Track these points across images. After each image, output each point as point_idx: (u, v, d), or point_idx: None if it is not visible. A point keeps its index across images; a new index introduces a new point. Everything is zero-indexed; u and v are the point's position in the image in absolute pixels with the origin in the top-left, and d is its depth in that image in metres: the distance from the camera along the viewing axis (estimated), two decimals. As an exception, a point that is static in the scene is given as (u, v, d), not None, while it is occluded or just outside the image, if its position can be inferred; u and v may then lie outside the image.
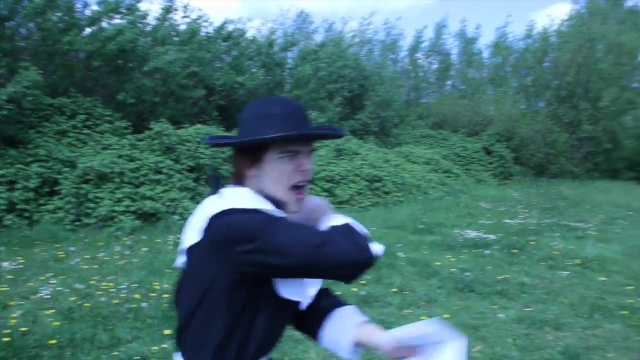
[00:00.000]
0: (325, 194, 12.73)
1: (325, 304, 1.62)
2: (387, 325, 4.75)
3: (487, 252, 7.90)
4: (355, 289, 5.79)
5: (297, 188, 1.46)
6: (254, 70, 15.76)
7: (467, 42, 28.95)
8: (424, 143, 21.71)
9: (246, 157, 1.46)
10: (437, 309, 5.31)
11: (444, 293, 5.90)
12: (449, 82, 29.78)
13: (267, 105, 1.49)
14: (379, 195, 13.84)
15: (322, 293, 1.64)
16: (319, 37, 25.52)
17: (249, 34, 17.15)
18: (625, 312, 5.33)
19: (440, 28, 29.07)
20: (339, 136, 1.53)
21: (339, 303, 1.63)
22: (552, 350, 4.32)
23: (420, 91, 28.74)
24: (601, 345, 4.52)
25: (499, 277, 6.44)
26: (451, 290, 5.97)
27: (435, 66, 29.57)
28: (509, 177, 21.15)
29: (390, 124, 20.21)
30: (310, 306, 1.60)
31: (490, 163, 21.43)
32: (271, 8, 43.60)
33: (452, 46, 29.63)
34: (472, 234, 9.50)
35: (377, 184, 14.02)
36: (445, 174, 18.47)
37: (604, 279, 6.60)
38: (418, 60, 29.26)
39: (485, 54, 28.94)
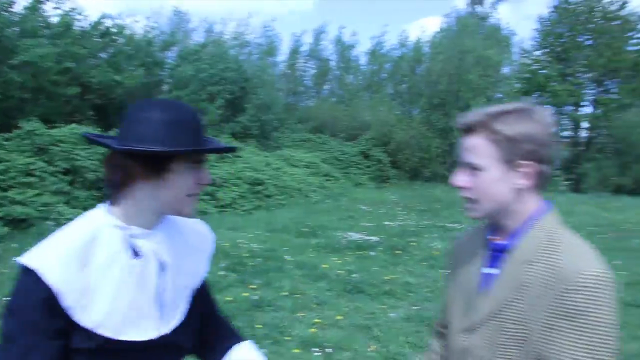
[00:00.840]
0: (207, 197, 12.49)
1: (220, 343, 1.59)
2: (282, 329, 4.73)
3: (371, 253, 8.13)
4: (246, 294, 5.70)
5: (193, 195, 1.40)
6: (132, 69, 15.08)
7: (345, 48, 29.73)
8: (304, 147, 22.02)
9: (145, 165, 1.32)
10: (329, 312, 5.36)
11: (333, 295, 5.97)
12: (326, 87, 30.42)
13: (175, 112, 1.36)
14: (261, 198, 13.82)
15: (218, 327, 1.62)
16: (197, 37, 25.04)
17: (127, 31, 16.38)
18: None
19: (319, 34, 29.60)
20: (233, 150, 1.53)
21: (235, 339, 1.60)
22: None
23: (298, 95, 29.08)
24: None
25: (385, 278, 6.64)
26: (340, 292, 6.06)
27: (313, 71, 30.08)
28: (386, 181, 21.98)
29: (270, 128, 20.26)
30: (205, 343, 1.57)
31: (368, 167, 22.15)
32: (144, 5, 42.07)
33: (331, 52, 30.14)
34: (355, 236, 9.73)
35: (259, 187, 13.99)
36: (325, 178, 18.84)
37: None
38: (297, 65, 29.60)
39: (363, 61, 29.84)
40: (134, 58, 15.73)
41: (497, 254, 1.39)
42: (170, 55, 17.98)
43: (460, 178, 1.38)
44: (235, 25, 26.77)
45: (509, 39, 28.81)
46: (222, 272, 6.63)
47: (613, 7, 26.25)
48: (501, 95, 24.18)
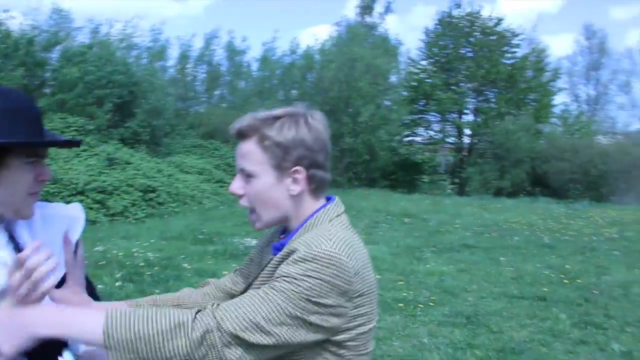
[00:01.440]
0: (97, 205, 11.92)
1: None
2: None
3: (272, 259, 8.12)
4: (147, 306, 5.47)
5: (33, 194, 1.30)
6: (10, 68, 14.05)
7: (236, 54, 29.53)
8: (196, 153, 21.65)
9: None
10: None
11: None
12: (217, 93, 30.05)
13: (8, 100, 1.24)
14: (154, 206, 13.39)
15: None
16: (82, 38, 23.75)
17: (2, 27, 15.23)
18: (401, 304, 5.92)
19: (209, 38, 29.17)
20: (78, 144, 1.44)
21: None
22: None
23: (188, 101, 28.52)
24: (387, 335, 4.94)
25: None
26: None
27: (204, 76, 29.60)
28: (279, 186, 22.06)
29: (161, 133, 19.66)
30: None
31: (261, 172, 22.13)
32: (18, 1, 39.35)
33: (221, 57, 29.79)
34: (252, 242, 9.67)
35: (151, 195, 13.55)
36: (219, 184, 18.57)
37: (378, 276, 7.23)
38: (187, 70, 28.99)
39: (254, 67, 29.79)
40: (12, 57, 14.66)
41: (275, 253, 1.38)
42: (53, 56, 16.92)
43: (235, 185, 1.36)
44: (122, 26, 25.68)
45: (396, 48, 29.93)
46: (118, 283, 6.35)
47: (490, 23, 28.14)
48: (389, 103, 25.11)
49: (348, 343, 1.25)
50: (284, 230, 1.42)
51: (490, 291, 6.67)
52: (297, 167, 1.29)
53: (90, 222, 11.39)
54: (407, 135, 29.81)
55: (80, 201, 11.79)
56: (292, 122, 1.30)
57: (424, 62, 29.99)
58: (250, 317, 1.14)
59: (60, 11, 24.15)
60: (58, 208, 1.47)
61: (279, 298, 1.16)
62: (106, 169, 13.41)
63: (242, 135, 1.33)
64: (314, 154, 1.30)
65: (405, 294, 6.31)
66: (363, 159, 24.08)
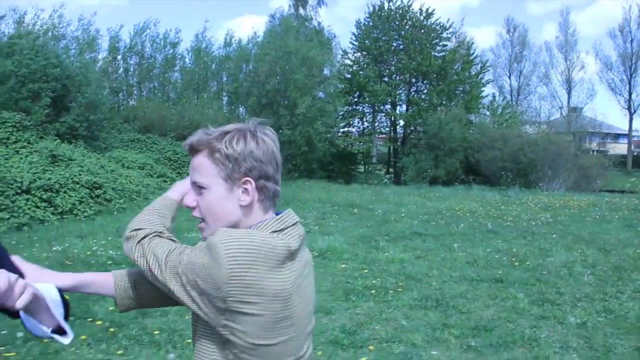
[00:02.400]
0: (44, 204, 11.62)
1: None
2: (179, 332, 4.75)
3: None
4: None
5: None
6: None
7: (169, 45, 29.00)
8: (134, 147, 21.24)
9: None
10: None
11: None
12: (149, 85, 29.43)
13: None
14: (101, 203, 13.17)
15: None
16: (5, 28, 22.67)
17: None
18: (372, 291, 6.25)
19: (140, 29, 28.51)
20: None
21: None
22: (333, 331, 4.89)
23: (121, 93, 27.84)
24: (367, 320, 5.26)
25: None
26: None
27: (135, 68, 28.93)
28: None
29: (98, 128, 19.19)
30: None
31: (200, 166, 22.00)
32: None
33: (153, 49, 29.13)
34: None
35: (98, 191, 13.31)
36: (161, 179, 18.39)
37: (344, 265, 7.56)
38: (117, 62, 28.24)
39: (187, 59, 29.35)
40: None
41: None
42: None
43: (189, 198, 1.43)
44: (49, 16, 24.70)
45: (329, 40, 30.26)
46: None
47: (421, 17, 28.97)
48: (324, 95, 25.45)
49: (233, 346, 1.32)
50: None
51: (450, 275, 7.13)
52: (247, 178, 1.35)
53: (39, 221, 11.13)
54: (343, 127, 30.31)
55: (27, 200, 11.49)
56: (241, 135, 1.36)
57: (357, 55, 30.51)
58: (157, 248, 1.37)
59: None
60: None
61: (180, 254, 1.32)
62: (49, 166, 13.04)
63: (193, 149, 1.39)
64: (263, 166, 1.36)
65: (374, 281, 6.66)
66: (302, 151, 24.33)
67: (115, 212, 12.82)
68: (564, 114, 44.78)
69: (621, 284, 6.78)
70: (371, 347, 4.51)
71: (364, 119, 31.08)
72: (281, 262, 1.30)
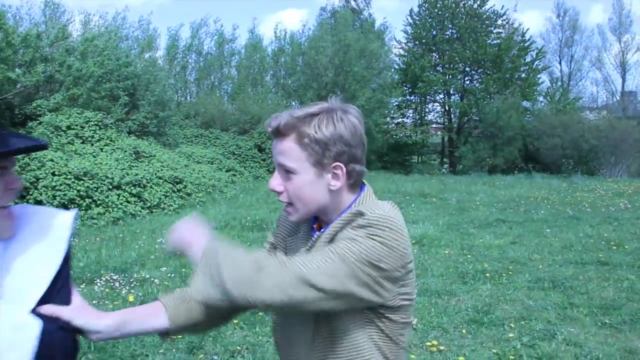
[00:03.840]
0: (134, 199, 12.19)
1: None
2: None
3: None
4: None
5: (3, 208, 1.29)
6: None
7: (224, 42, 29.63)
8: (197, 143, 21.84)
9: None
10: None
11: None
12: (208, 82, 30.14)
13: None
14: (183, 197, 13.71)
15: None
16: (72, 30, 23.59)
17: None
18: (487, 274, 6.49)
19: (197, 27, 29.24)
20: (44, 147, 1.38)
21: None
22: (467, 311, 5.16)
23: (182, 90, 28.62)
24: (493, 301, 5.51)
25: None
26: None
27: (194, 65, 29.69)
28: (283, 172, 22.44)
29: (167, 125, 19.86)
30: None
31: (264, 160, 22.44)
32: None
33: (209, 46, 29.86)
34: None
35: (179, 186, 13.86)
36: (230, 172, 18.92)
37: (447, 251, 7.82)
38: (177, 59, 29.02)
39: (242, 54, 29.91)
40: (22, 53, 14.66)
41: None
42: (53, 50, 16.88)
43: (274, 182, 1.39)
44: (112, 17, 25.56)
45: (382, 32, 30.36)
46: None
47: (474, 5, 28.77)
48: (376, 87, 25.60)
49: (393, 317, 1.32)
50: (315, 218, 1.45)
51: (553, 259, 7.31)
52: (337, 163, 1.32)
53: (131, 215, 11.71)
54: (397, 117, 30.42)
55: (118, 195, 12.08)
56: (329, 118, 1.32)
57: (410, 45, 30.51)
58: (311, 266, 1.22)
59: (51, 3, 24.02)
60: (45, 215, 1.40)
61: (338, 257, 1.22)
62: (134, 162, 13.65)
63: (279, 133, 1.34)
64: (352, 149, 1.33)
65: (485, 265, 6.89)
66: (362, 143, 24.60)
67: (197, 206, 13.31)
68: (617, 99, 43.73)
69: None
70: (512, 325, 4.76)
71: (418, 109, 31.09)
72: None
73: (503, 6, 47.15)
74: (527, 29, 30.77)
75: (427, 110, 31.10)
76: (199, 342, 4.30)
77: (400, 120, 30.62)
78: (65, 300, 1.32)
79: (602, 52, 47.87)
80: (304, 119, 1.32)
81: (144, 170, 13.27)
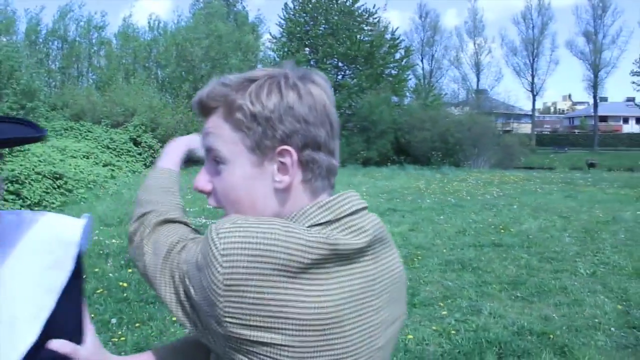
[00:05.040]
0: (12, 197, 11.30)
1: None
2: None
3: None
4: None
5: None
6: None
7: (94, 28, 28.14)
8: (68, 136, 20.60)
9: None
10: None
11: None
12: (74, 71, 28.45)
13: None
14: (64, 193, 12.94)
15: None
16: None
17: None
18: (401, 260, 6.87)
19: (63, 12, 27.44)
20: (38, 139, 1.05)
21: None
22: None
23: (45, 79, 26.72)
24: (415, 284, 5.88)
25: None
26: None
27: (57, 52, 27.88)
28: (160, 167, 21.81)
29: (38, 116, 18.51)
30: None
31: (140, 154, 21.69)
32: None
33: (75, 32, 28.14)
34: (202, 220, 10.04)
35: (60, 182, 13.05)
36: (108, 167, 18.09)
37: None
38: (37, 45, 27.07)
39: (114, 43, 28.59)
40: None
41: None
42: None
43: (201, 179, 0.96)
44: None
45: (257, 25, 30.46)
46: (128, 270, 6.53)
47: (347, 2, 29.79)
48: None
49: None
50: None
51: (453, 244, 7.91)
52: (285, 147, 0.88)
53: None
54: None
55: (-7, 192, 11.12)
56: (274, 84, 0.90)
57: (284, 39, 30.90)
58: (161, 238, 1.02)
59: None
60: (46, 223, 1.07)
61: (186, 244, 0.98)
62: (9, 156, 12.62)
63: (205, 107, 0.94)
64: (310, 128, 0.89)
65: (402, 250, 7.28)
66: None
67: (82, 203, 12.64)
68: (472, 96, 47.48)
69: (598, 243, 7.84)
70: (441, 304, 5.15)
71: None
72: (318, 267, 0.83)
73: (375, 5, 49.20)
74: (397, 28, 32.43)
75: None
76: (149, 342, 4.21)
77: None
78: (76, 336, 1.03)
79: (460, 53, 51.70)
80: (237, 86, 0.90)
81: (20, 165, 12.31)
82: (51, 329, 0.98)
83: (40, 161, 13.15)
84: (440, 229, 9.09)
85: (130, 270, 6.17)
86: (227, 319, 0.81)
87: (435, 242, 7.97)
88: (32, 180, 12.13)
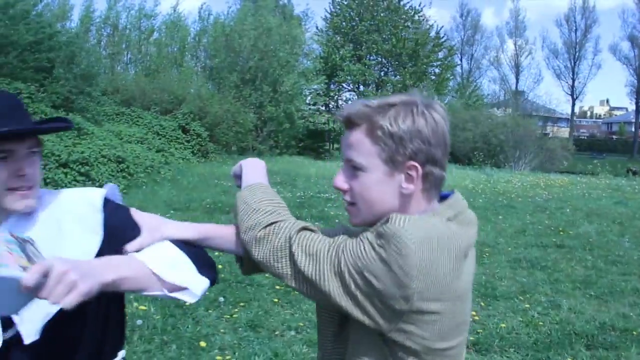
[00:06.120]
0: (83, 178, 11.85)
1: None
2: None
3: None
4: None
5: (14, 189, 1.26)
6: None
7: (144, 16, 28.77)
8: (119, 121, 21.22)
9: None
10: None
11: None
12: (125, 57, 29.15)
13: None
14: (126, 177, 13.47)
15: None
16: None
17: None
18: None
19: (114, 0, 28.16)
20: (67, 128, 1.40)
21: None
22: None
23: (100, 65, 27.45)
24: (491, 279, 6.19)
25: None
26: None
27: (108, 39, 28.58)
28: (206, 155, 22.33)
29: (95, 101, 19.14)
30: None
31: (188, 141, 22.21)
32: None
33: (126, 20, 28.81)
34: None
35: (122, 166, 13.60)
36: (161, 153, 18.62)
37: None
38: (91, 32, 27.79)
39: (163, 32, 29.20)
40: None
41: None
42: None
43: (339, 179, 1.24)
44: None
45: (303, 18, 30.80)
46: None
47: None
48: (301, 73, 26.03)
49: (402, 355, 1.14)
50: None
51: (515, 243, 8.18)
52: (412, 163, 1.15)
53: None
54: (315, 104, 31.11)
55: (65, 174, 11.70)
56: (408, 110, 1.16)
57: (330, 33, 31.20)
58: (311, 244, 1.17)
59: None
60: (70, 195, 1.39)
61: (333, 245, 1.15)
62: (77, 139, 13.20)
63: (350, 123, 1.20)
64: (431, 149, 1.15)
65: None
66: (283, 127, 24.98)
67: (143, 187, 13.15)
68: (510, 97, 47.22)
69: (660, 249, 8.04)
70: (521, 298, 5.46)
71: (335, 98, 31.91)
72: (464, 254, 1.16)
73: (421, 2, 49.29)
74: (442, 27, 32.50)
75: (343, 99, 32.03)
76: (259, 320, 4.59)
77: (316, 107, 31.34)
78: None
79: (500, 53, 51.37)
80: (378, 108, 1.18)
81: (88, 148, 12.88)
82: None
83: (104, 145, 13.71)
84: (499, 228, 9.35)
85: (217, 254, 6.61)
86: (415, 296, 1.07)
87: (498, 241, 8.24)
88: (99, 163, 12.69)
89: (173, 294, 1.27)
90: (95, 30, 28.28)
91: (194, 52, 29.06)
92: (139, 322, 4.26)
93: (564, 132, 51.75)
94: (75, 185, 11.67)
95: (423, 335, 1.11)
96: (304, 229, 1.20)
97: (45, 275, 1.02)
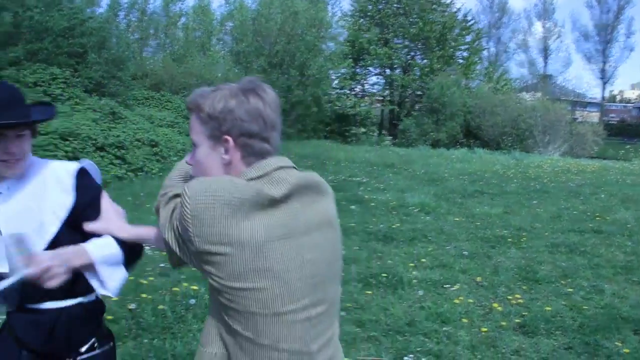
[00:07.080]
0: (118, 161, 12.07)
1: None
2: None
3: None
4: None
5: (6, 161, 1.68)
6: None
7: (172, 1, 28.93)
8: (149, 105, 21.43)
9: None
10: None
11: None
12: (153, 42, 29.37)
13: None
14: (160, 160, 13.66)
15: None
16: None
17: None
18: (510, 239, 7.20)
19: (143, -15, 28.32)
20: (50, 118, 1.85)
21: None
22: (517, 269, 5.82)
23: (130, 49, 27.70)
24: (530, 263, 6.20)
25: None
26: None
27: (136, 24, 28.81)
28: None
29: (125, 85, 19.35)
30: None
31: (215, 126, 22.40)
32: None
33: (154, 4, 29.04)
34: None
35: (156, 149, 13.80)
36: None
37: (457, 219, 8.50)
38: (119, 17, 28.03)
39: (190, 16, 29.33)
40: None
41: None
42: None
43: (188, 156, 1.55)
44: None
45: (327, 1, 30.62)
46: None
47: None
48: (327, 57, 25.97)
49: (231, 303, 1.34)
50: None
51: (552, 228, 8.16)
52: (226, 136, 1.40)
53: (117, 178, 11.59)
54: (342, 88, 31.00)
55: (102, 157, 11.91)
56: (223, 95, 1.41)
57: (356, 16, 30.98)
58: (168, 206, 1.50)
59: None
60: (55, 164, 1.84)
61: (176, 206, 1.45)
62: (112, 123, 13.41)
63: (189, 109, 1.50)
64: (245, 124, 1.39)
65: (498, 232, 7.63)
66: (311, 112, 25.02)
67: (174, 169, 13.29)
68: (536, 81, 46.50)
69: None
70: (562, 282, 5.48)
71: (361, 81, 31.78)
72: (250, 207, 1.32)
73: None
74: (470, 10, 32.04)
75: (370, 82, 31.89)
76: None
77: (343, 91, 31.23)
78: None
79: (528, 36, 50.53)
80: (205, 96, 1.44)
81: (123, 132, 13.08)
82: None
83: (138, 129, 13.91)
84: (534, 212, 9.33)
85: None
86: (196, 239, 1.31)
87: (534, 226, 8.23)
88: (133, 146, 12.90)
89: (100, 290, 1.76)
90: (123, 15, 28.50)
91: (220, 37, 29.14)
92: (192, 301, 4.39)
93: (594, 116, 50.82)
94: (112, 169, 11.91)
95: (218, 274, 1.32)
96: (177, 195, 1.46)
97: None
